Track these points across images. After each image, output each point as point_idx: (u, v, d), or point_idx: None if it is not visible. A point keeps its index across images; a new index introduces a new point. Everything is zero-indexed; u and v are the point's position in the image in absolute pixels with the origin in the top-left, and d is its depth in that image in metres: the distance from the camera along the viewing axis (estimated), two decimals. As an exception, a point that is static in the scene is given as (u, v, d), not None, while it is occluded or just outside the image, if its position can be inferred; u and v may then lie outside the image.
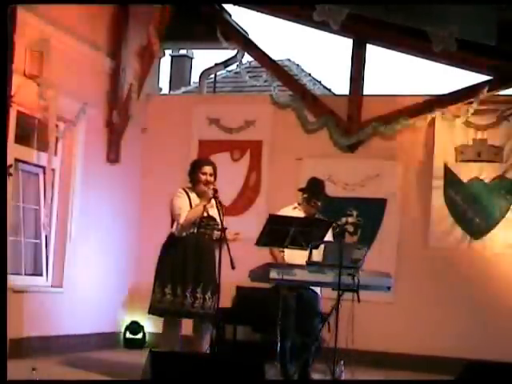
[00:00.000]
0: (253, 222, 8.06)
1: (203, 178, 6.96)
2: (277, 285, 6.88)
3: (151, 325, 9.64)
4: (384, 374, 8.42)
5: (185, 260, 6.86)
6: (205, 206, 6.85)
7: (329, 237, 6.92)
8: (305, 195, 7.27)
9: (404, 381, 7.52)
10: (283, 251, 7.06)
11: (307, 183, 7.41)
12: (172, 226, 7.00)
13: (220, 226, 6.75)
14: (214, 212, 6.90)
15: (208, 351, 6.87)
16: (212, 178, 6.99)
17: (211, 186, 6.89)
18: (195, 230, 6.90)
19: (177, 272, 6.85)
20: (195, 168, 7.06)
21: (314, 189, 7.28)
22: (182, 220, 6.85)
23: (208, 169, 7.01)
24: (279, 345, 6.76)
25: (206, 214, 6.89)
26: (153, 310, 6.97)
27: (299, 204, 7.32)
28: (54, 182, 8.71)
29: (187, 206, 6.91)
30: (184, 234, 6.90)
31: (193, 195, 6.99)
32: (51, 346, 8.35)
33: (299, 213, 7.24)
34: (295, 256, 6.87)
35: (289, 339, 6.96)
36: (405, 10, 8.31)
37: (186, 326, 7.05)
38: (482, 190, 9.23)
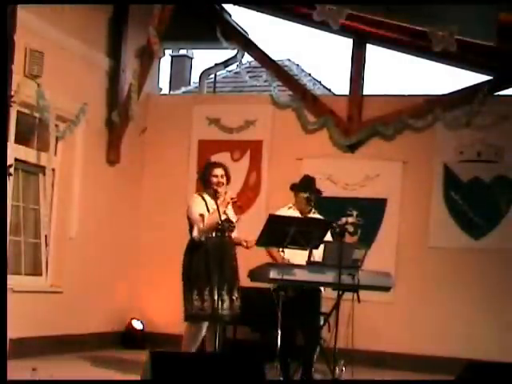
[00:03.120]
0: (253, 222, 8.05)
1: (215, 180, 7.02)
2: (278, 285, 6.89)
3: (151, 325, 9.65)
4: (384, 374, 8.43)
5: (209, 264, 6.85)
6: (220, 210, 6.88)
7: (327, 237, 6.91)
8: (302, 193, 7.26)
9: (404, 381, 7.52)
10: (283, 251, 7.05)
11: (300, 181, 7.43)
12: (192, 232, 6.96)
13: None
14: (231, 213, 7.00)
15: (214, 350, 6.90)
16: (224, 180, 7.05)
17: (225, 191, 6.94)
18: (214, 234, 6.92)
19: (203, 277, 6.85)
20: (206, 171, 7.15)
21: (305, 186, 7.31)
22: (201, 225, 6.85)
23: (218, 171, 7.07)
24: (279, 345, 6.76)
25: (224, 217, 6.90)
26: (192, 318, 6.92)
27: (294, 204, 7.33)
28: (54, 182, 8.71)
29: (205, 210, 6.93)
30: (203, 238, 6.90)
31: (208, 198, 7.03)
32: (51, 346, 8.34)
33: (294, 212, 7.25)
34: (296, 256, 6.87)
35: (290, 339, 6.96)
36: (405, 10, 8.31)
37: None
38: (482, 190, 9.23)
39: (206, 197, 7.04)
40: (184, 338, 7.05)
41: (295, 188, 7.34)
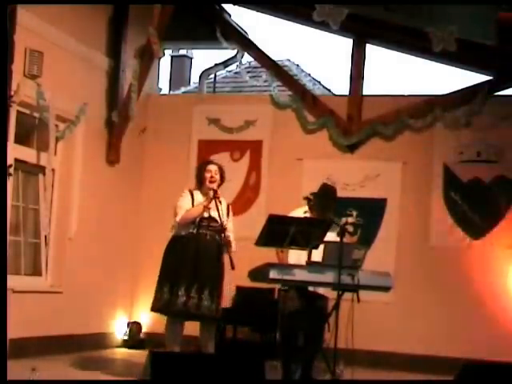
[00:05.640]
0: (253, 222, 8.06)
1: (208, 175, 7.01)
2: (286, 286, 6.89)
3: (151, 325, 9.66)
4: (384, 374, 8.43)
5: (183, 260, 6.88)
6: (205, 207, 6.87)
7: (333, 237, 6.88)
8: (315, 201, 7.16)
9: (404, 381, 7.52)
10: (282, 251, 7.04)
11: (319, 189, 7.28)
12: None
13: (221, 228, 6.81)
14: (215, 214, 6.92)
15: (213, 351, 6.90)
16: (217, 177, 7.04)
17: (213, 186, 6.92)
18: (195, 231, 6.92)
19: (174, 272, 6.88)
20: (200, 168, 7.15)
21: (325, 196, 7.16)
22: (178, 218, 6.90)
23: (212, 167, 7.08)
24: (281, 345, 6.76)
25: (207, 215, 6.90)
26: (153, 308, 7.04)
27: (310, 208, 7.23)
28: (54, 182, 8.71)
29: (189, 206, 6.93)
30: (183, 233, 6.92)
31: (198, 195, 7.02)
32: (51, 346, 8.34)
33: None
34: (300, 258, 6.86)
35: (292, 340, 6.95)
36: (405, 10, 8.31)
37: (193, 327, 7.07)
38: (482, 190, 9.24)
39: (196, 193, 7.03)
40: (165, 337, 7.08)
41: (315, 201, 7.08)
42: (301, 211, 7.20)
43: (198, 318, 6.93)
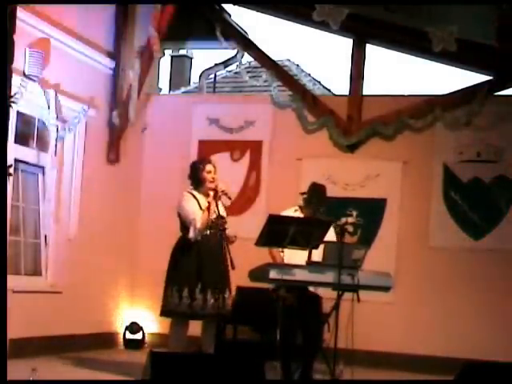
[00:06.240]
0: (253, 222, 8.06)
1: (209, 176, 6.97)
2: (277, 286, 6.89)
3: (151, 325, 9.65)
4: (384, 374, 8.43)
5: (201, 262, 6.85)
6: (211, 207, 6.86)
7: (331, 237, 6.89)
8: (306, 201, 7.22)
9: (404, 381, 7.52)
10: (282, 251, 7.05)
11: (308, 189, 7.32)
12: (184, 230, 6.95)
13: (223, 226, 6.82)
14: (221, 209, 6.96)
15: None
16: (216, 176, 7.01)
17: (214, 186, 6.90)
18: (208, 232, 6.91)
19: (194, 275, 6.83)
20: (198, 168, 7.05)
21: (315, 195, 7.23)
22: (199, 224, 6.82)
23: (211, 167, 7.03)
24: (280, 345, 6.76)
25: (216, 214, 6.90)
26: (171, 314, 6.93)
27: (300, 207, 7.28)
28: (54, 182, 8.70)
29: (199, 209, 6.89)
30: (199, 237, 6.88)
31: (199, 196, 6.98)
32: (51, 346, 8.34)
33: (300, 215, 7.20)
34: (295, 256, 6.87)
35: (290, 339, 6.95)
36: (405, 10, 8.31)
37: (192, 327, 7.08)
38: (482, 190, 9.23)
39: (197, 195, 6.99)
40: (171, 336, 7.06)
41: (308, 200, 7.23)
42: (291, 211, 7.23)
43: (223, 317, 6.94)
